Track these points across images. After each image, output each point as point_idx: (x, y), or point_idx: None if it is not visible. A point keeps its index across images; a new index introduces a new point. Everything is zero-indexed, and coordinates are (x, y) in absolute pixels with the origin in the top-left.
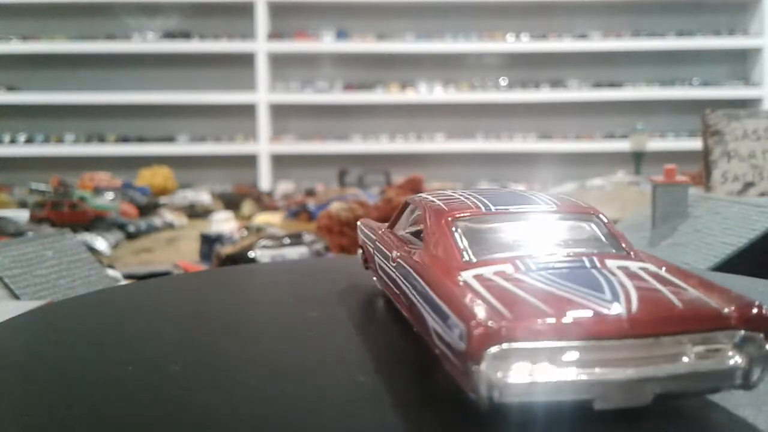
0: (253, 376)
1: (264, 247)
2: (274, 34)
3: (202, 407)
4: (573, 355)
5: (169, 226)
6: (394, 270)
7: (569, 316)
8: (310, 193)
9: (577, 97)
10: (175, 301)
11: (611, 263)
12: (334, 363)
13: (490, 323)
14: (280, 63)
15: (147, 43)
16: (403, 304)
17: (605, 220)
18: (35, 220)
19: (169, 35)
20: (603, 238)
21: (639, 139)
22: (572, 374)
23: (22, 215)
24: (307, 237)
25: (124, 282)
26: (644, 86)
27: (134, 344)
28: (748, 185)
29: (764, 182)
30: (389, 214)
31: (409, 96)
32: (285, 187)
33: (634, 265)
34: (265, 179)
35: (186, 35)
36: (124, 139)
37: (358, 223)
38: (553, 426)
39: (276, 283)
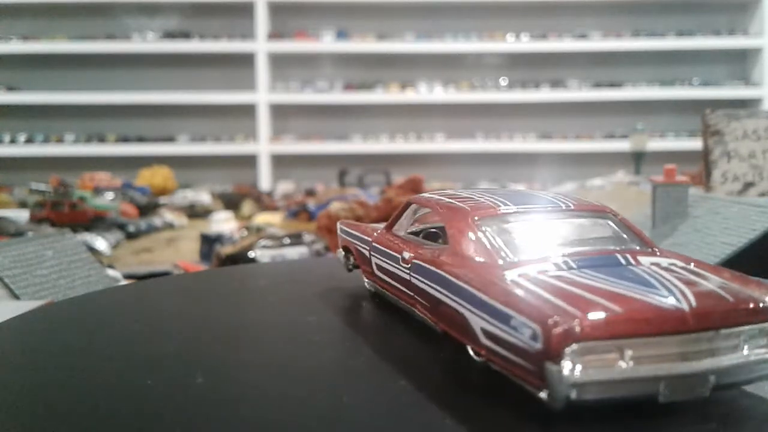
0: (260, 376)
1: (264, 247)
2: (274, 34)
3: (202, 406)
4: (642, 351)
5: (169, 226)
6: (407, 271)
7: (637, 313)
8: (310, 193)
9: (577, 97)
10: (175, 301)
11: (643, 260)
12: (362, 367)
13: (567, 322)
14: (280, 63)
15: (147, 43)
16: (421, 304)
17: (620, 218)
18: (35, 220)
19: (169, 35)
20: (624, 235)
21: (639, 139)
22: (642, 370)
23: (22, 215)
24: (307, 237)
25: (124, 282)
26: (644, 86)
27: (134, 344)
28: (748, 185)
29: (764, 182)
30: (389, 214)
31: (409, 96)
32: (285, 187)
33: (664, 261)
34: (265, 179)
35: (186, 35)
36: (124, 139)
37: (338, 224)
38: (612, 420)
39: (275, 283)
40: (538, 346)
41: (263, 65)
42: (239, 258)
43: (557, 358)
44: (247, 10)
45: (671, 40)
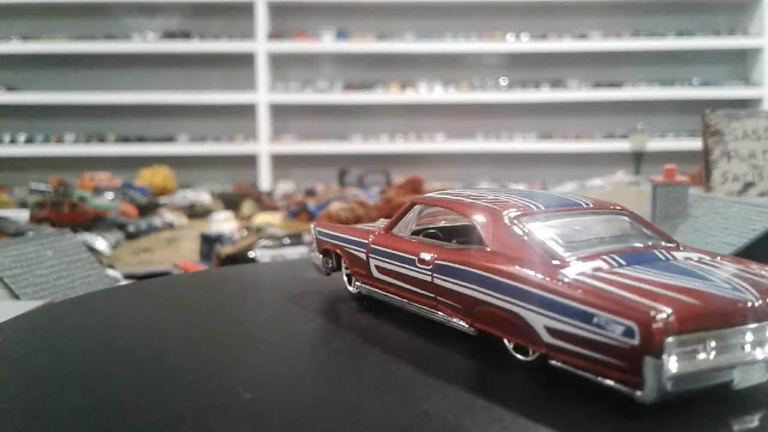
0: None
1: (264, 247)
2: (274, 34)
3: (203, 405)
4: (720, 341)
5: (169, 226)
6: (427, 272)
7: (716, 306)
8: (310, 193)
9: (577, 97)
10: (174, 300)
11: (677, 255)
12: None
13: (663, 317)
14: (280, 63)
15: (147, 43)
16: (447, 306)
17: (634, 214)
18: (35, 220)
19: (169, 35)
20: (646, 231)
21: (639, 139)
22: (722, 359)
23: (22, 215)
24: (307, 237)
25: (124, 282)
26: (644, 86)
27: (134, 344)
28: (748, 185)
29: (764, 182)
30: (389, 214)
31: (409, 96)
32: (285, 187)
33: (694, 255)
34: (265, 179)
35: (186, 35)
36: (124, 139)
37: (314, 227)
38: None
39: (276, 284)
40: (635, 342)
41: (263, 65)
42: (239, 258)
43: (657, 352)
44: (247, 10)
45: (671, 40)
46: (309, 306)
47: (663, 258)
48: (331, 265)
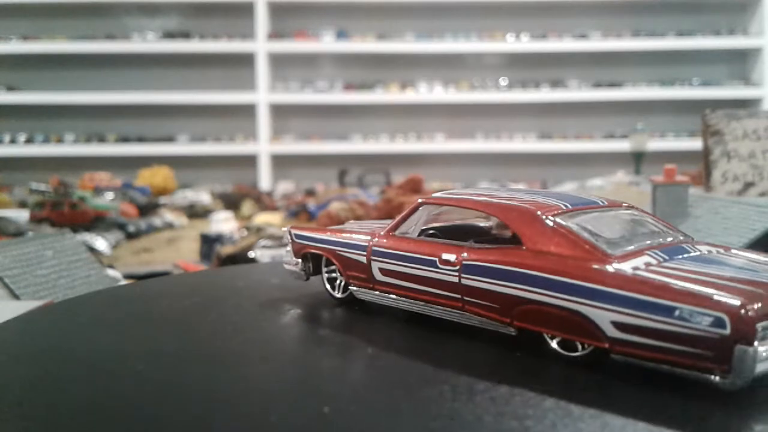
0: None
1: (264, 247)
2: (274, 34)
3: (203, 406)
4: None
5: (169, 226)
6: (452, 273)
7: None
8: (310, 193)
9: (577, 97)
10: (174, 300)
11: (702, 248)
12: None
13: (750, 307)
14: (280, 63)
15: (147, 43)
16: (478, 306)
17: (641, 210)
18: (35, 220)
19: (169, 35)
20: (661, 226)
21: (639, 139)
22: None
23: (22, 215)
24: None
25: (124, 282)
26: (644, 86)
27: (133, 344)
28: (748, 185)
29: (764, 182)
30: (389, 214)
31: (409, 96)
32: (285, 187)
33: (713, 249)
34: (265, 179)
35: (186, 35)
36: (124, 139)
37: (289, 230)
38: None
39: (276, 285)
40: (725, 331)
41: (263, 65)
42: (239, 258)
43: (749, 339)
44: (247, 10)
45: (671, 40)
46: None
47: (695, 251)
48: (310, 270)
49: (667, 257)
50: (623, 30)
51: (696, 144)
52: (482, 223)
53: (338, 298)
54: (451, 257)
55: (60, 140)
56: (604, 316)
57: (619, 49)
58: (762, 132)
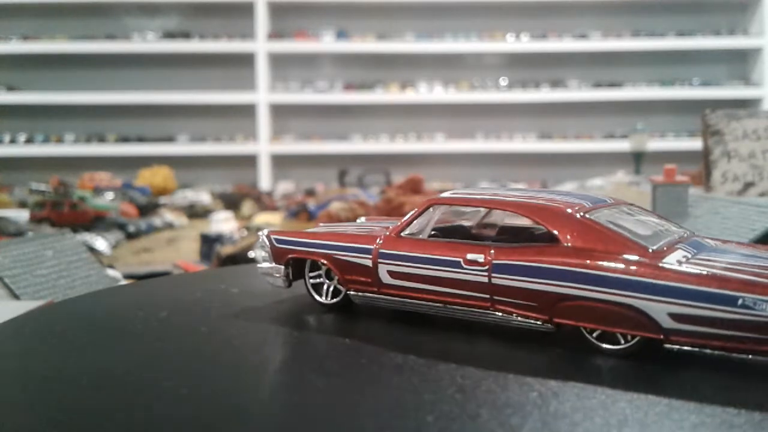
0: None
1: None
2: (274, 34)
3: (204, 405)
4: None
5: (169, 226)
6: (481, 273)
7: None
8: (310, 193)
9: (577, 97)
10: (174, 300)
11: (710, 241)
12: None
13: None
14: (280, 63)
15: (147, 43)
16: (511, 304)
17: (643, 208)
18: (35, 220)
19: (169, 35)
20: (664, 221)
21: (639, 139)
22: None
23: (22, 215)
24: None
25: (124, 282)
26: (644, 86)
27: (134, 344)
28: (748, 185)
29: (764, 182)
30: (389, 214)
31: (409, 96)
32: (285, 187)
33: (718, 242)
34: (265, 179)
35: (186, 35)
36: (124, 139)
37: (266, 235)
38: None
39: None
40: None
41: (263, 65)
42: (239, 258)
43: None
44: (247, 10)
45: (671, 40)
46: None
47: (710, 244)
48: (291, 276)
49: (695, 250)
50: (623, 30)
51: (696, 144)
52: (466, 223)
53: (328, 305)
54: (479, 257)
55: (60, 140)
56: (660, 309)
57: (619, 49)
58: (762, 132)
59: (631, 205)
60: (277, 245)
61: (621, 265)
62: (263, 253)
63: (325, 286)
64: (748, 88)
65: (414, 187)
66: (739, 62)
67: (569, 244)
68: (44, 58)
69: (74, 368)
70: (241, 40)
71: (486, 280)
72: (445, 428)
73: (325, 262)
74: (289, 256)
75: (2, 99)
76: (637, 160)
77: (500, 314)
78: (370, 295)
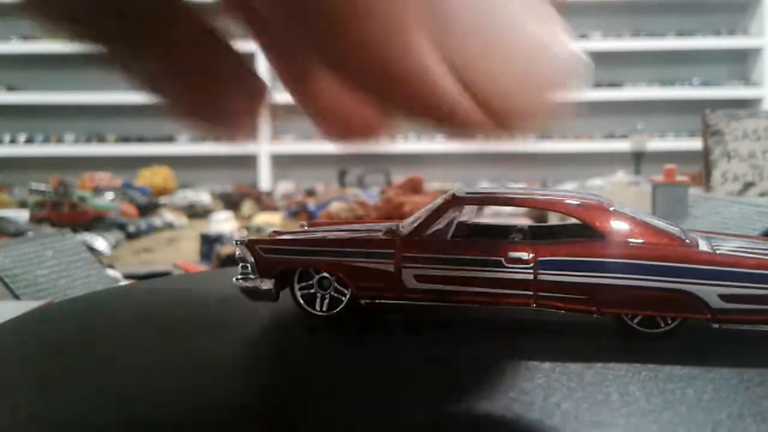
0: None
1: None
2: None
3: (204, 405)
4: None
5: (169, 226)
6: (527, 271)
7: None
8: (310, 193)
9: (577, 97)
10: (175, 301)
11: (702, 234)
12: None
13: None
14: None
15: None
16: (560, 300)
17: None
18: (35, 220)
19: None
20: (658, 217)
21: (639, 139)
22: None
23: (22, 215)
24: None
25: (124, 282)
26: (644, 86)
27: (134, 344)
28: (748, 185)
29: (764, 182)
30: (389, 214)
31: None
32: (285, 187)
33: (710, 234)
34: (265, 179)
35: None
36: (124, 139)
37: (246, 245)
38: None
39: None
40: None
41: (263, 65)
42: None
43: None
44: None
45: (671, 40)
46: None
47: (707, 235)
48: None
49: (706, 240)
50: (623, 30)
51: (696, 144)
52: (463, 219)
53: (324, 316)
54: (524, 255)
55: (60, 140)
56: (711, 291)
57: (619, 49)
58: (762, 132)
59: (621, 204)
60: (264, 255)
61: (671, 254)
62: (243, 267)
63: (318, 297)
64: (748, 88)
65: (414, 187)
66: (739, 62)
67: (614, 238)
68: (44, 58)
69: (73, 369)
70: (242, 39)
71: (532, 277)
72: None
73: (331, 270)
74: (282, 267)
75: (2, 99)
76: (637, 160)
77: (543, 310)
78: (390, 301)
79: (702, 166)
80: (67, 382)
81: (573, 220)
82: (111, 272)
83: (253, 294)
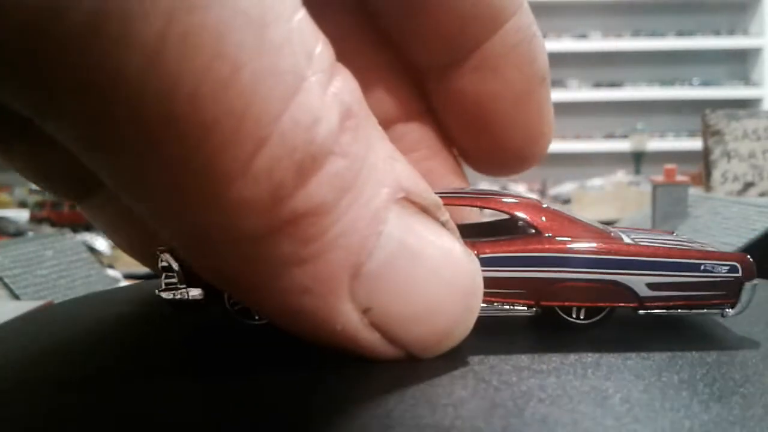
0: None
1: None
2: None
3: (206, 406)
4: None
5: None
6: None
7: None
8: None
9: (577, 97)
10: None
11: (618, 228)
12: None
13: (748, 256)
14: None
15: None
16: (500, 295)
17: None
18: (35, 220)
19: None
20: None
21: (639, 139)
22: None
23: (22, 215)
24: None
25: (124, 282)
26: (644, 86)
27: (135, 345)
28: (748, 185)
29: (764, 182)
30: None
31: None
32: None
33: (621, 228)
34: None
35: None
36: None
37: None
38: None
39: None
40: (738, 274)
41: None
42: None
43: (752, 278)
44: None
45: (671, 40)
46: None
47: (624, 230)
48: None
49: (626, 234)
50: (623, 30)
51: (696, 144)
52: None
53: (261, 325)
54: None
55: None
56: (639, 281)
57: (619, 49)
58: (762, 132)
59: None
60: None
61: (605, 248)
62: (167, 275)
63: None
64: (748, 88)
65: None
66: (739, 62)
67: (550, 234)
68: None
69: (74, 369)
70: None
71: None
72: None
73: None
74: None
75: None
76: (637, 160)
77: (484, 305)
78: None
79: (702, 166)
80: (66, 382)
81: (503, 217)
82: (111, 272)
83: (178, 305)
